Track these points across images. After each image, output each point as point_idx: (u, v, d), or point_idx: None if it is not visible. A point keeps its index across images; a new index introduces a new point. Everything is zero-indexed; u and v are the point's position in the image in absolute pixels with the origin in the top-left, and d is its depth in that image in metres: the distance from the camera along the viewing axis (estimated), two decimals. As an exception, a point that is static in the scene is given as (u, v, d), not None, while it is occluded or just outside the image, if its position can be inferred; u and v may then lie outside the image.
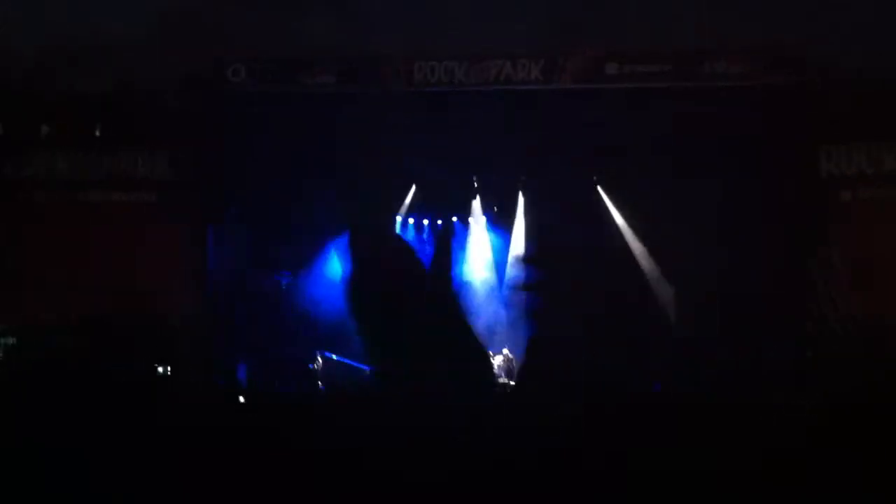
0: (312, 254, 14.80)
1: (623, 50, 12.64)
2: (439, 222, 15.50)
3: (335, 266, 15.08)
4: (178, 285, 13.01)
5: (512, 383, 11.85)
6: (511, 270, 15.45)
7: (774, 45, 12.42)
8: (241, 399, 12.17)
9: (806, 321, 12.49)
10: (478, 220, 15.62)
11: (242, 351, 13.48)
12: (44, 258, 13.52)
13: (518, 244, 15.35)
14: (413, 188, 15.18)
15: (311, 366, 13.71)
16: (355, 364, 14.00)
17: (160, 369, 11.22)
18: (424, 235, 15.72)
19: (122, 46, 11.62)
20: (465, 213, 15.68)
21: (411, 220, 15.72)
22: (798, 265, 12.67)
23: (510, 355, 13.55)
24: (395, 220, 15.13)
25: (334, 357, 14.00)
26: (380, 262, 5.65)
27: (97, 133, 13.35)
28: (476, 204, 15.54)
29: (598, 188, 14.82)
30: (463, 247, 15.72)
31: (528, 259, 15.17)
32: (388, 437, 4.58)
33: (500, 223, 15.59)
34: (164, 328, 12.48)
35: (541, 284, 14.70)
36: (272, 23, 11.79)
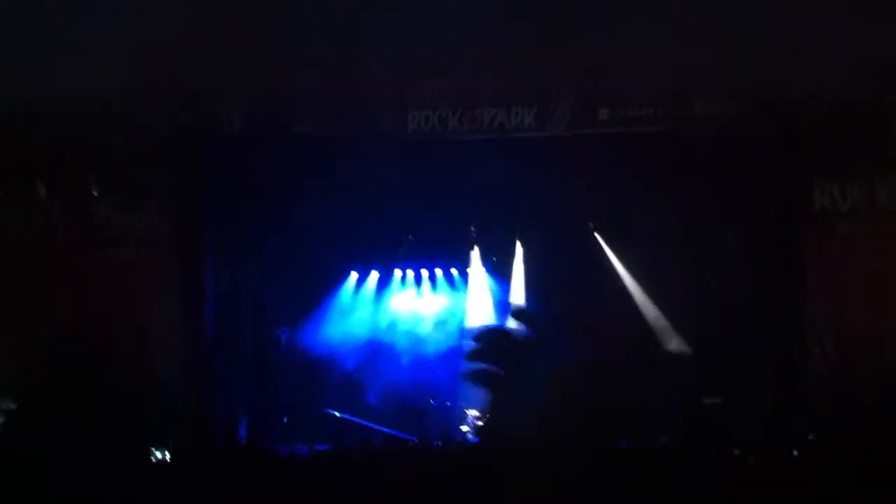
0: (312, 307, 14.71)
1: (614, 94, 12.64)
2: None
3: (335, 320, 14.98)
4: (174, 341, 12.80)
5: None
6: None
7: (764, 87, 12.43)
8: (241, 458, 11.93)
9: (802, 357, 12.35)
10: (477, 269, 15.54)
11: (242, 408, 13.29)
12: (35, 310, 13.16)
13: (518, 293, 15.24)
14: (410, 238, 15.13)
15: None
16: (357, 420, 13.82)
17: (157, 454, 10.71)
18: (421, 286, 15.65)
19: (117, 98, 11.62)
20: (463, 263, 15.61)
21: (410, 272, 15.66)
22: (792, 304, 12.54)
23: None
24: None
25: (337, 415, 13.81)
26: None
27: (91, 187, 13.10)
28: (475, 254, 15.48)
29: (596, 234, 14.78)
30: (463, 297, 15.64)
31: (528, 307, 15.04)
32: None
33: (500, 272, 15.51)
34: (160, 386, 12.28)
35: (542, 332, 14.55)
36: (266, 72, 11.80)
